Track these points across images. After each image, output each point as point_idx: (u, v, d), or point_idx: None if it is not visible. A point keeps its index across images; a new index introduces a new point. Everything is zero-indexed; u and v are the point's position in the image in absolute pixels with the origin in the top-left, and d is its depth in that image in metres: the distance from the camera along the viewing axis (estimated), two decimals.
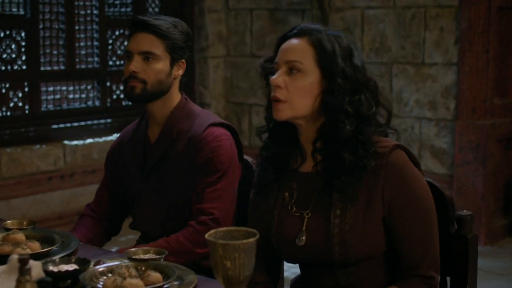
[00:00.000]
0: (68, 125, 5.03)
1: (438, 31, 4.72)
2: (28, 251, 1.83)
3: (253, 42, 5.62)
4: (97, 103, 5.22)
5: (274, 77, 1.81)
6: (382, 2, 4.94)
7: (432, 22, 4.74)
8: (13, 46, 4.75)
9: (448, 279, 1.96)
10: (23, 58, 4.80)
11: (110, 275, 1.67)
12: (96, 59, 5.20)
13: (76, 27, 5.06)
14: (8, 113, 4.75)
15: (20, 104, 4.81)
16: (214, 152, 2.24)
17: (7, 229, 2.01)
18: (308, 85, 1.79)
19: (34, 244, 1.88)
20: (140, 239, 2.42)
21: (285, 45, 1.84)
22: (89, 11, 5.13)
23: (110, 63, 5.27)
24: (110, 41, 5.26)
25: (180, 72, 2.35)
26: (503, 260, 4.41)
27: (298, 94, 1.79)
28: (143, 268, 1.69)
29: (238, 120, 5.73)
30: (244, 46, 5.67)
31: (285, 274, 2.23)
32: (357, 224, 1.77)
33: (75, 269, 1.67)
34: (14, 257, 1.60)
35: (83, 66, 5.15)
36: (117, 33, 5.28)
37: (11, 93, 4.76)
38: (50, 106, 4.99)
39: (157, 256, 1.78)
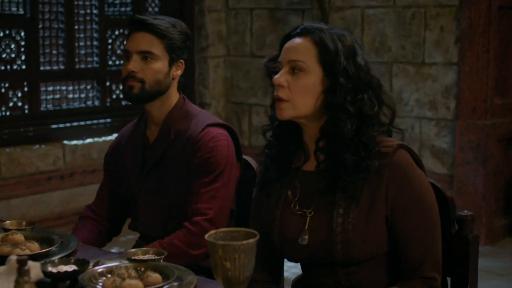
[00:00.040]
0: (68, 125, 5.03)
1: (439, 30, 4.71)
2: (27, 251, 1.82)
3: (253, 42, 5.62)
4: (96, 103, 5.22)
5: (276, 76, 1.81)
6: (382, 2, 4.93)
7: (432, 22, 4.73)
8: (12, 46, 4.75)
9: (448, 279, 1.95)
10: (23, 57, 4.80)
11: (109, 276, 1.66)
12: (95, 58, 5.20)
13: (76, 27, 5.06)
14: (8, 113, 4.75)
15: (20, 104, 4.80)
16: (210, 152, 2.23)
17: (6, 230, 2.00)
18: (310, 84, 1.79)
19: (33, 245, 1.87)
20: (140, 240, 2.41)
21: (288, 44, 1.84)
22: (88, 11, 5.13)
23: (110, 62, 5.26)
24: (110, 41, 5.26)
25: (179, 72, 2.34)
26: (503, 260, 4.41)
27: (301, 94, 1.79)
28: (143, 269, 1.68)
29: (238, 120, 5.72)
30: (244, 45, 5.67)
31: (285, 274, 2.22)
32: (360, 224, 1.77)
33: (74, 270, 1.66)
34: (13, 258, 1.59)
35: (82, 66, 5.14)
36: (116, 32, 5.28)
37: (10, 93, 4.75)
38: (50, 106, 4.98)
39: (156, 257, 1.77)
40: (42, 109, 4.92)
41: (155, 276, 1.64)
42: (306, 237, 1.83)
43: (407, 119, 4.84)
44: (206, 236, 1.45)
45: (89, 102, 5.19)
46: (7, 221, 2.06)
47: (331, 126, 1.79)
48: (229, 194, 2.27)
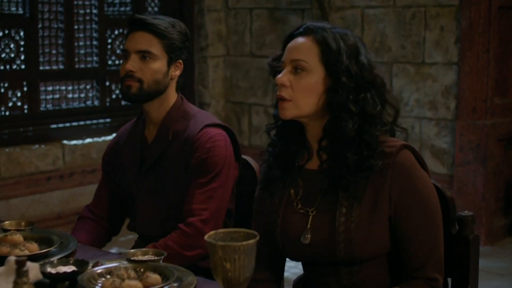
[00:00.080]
0: (67, 124, 5.02)
1: (439, 30, 4.71)
2: (26, 252, 1.82)
3: (252, 42, 5.61)
4: (96, 102, 5.21)
5: (279, 76, 1.82)
6: (382, 2, 4.93)
7: (432, 22, 4.73)
8: (12, 46, 4.74)
9: (449, 280, 1.95)
10: (22, 57, 4.79)
11: (108, 276, 1.66)
12: (95, 58, 5.19)
13: (75, 27, 5.05)
14: (7, 113, 4.74)
15: (19, 103, 4.80)
16: (208, 153, 2.22)
17: (5, 230, 2.00)
18: (312, 84, 1.79)
19: (32, 245, 1.86)
20: (139, 241, 2.40)
21: (291, 44, 1.84)
22: (88, 11, 5.12)
23: (110, 62, 5.26)
24: (109, 41, 5.25)
25: (177, 72, 2.33)
26: (503, 260, 4.40)
27: (303, 93, 1.79)
28: (142, 270, 1.68)
29: (238, 120, 5.72)
30: (243, 45, 5.66)
31: (285, 274, 2.22)
32: (363, 223, 1.77)
33: (73, 271, 1.65)
34: (12, 258, 1.59)
35: (82, 66, 5.14)
36: (116, 32, 5.27)
37: (10, 93, 4.75)
38: (49, 106, 4.98)
39: (156, 258, 1.76)
40: (41, 109, 4.91)
41: (154, 277, 1.64)
42: (309, 236, 1.83)
43: (407, 119, 4.83)
44: (205, 237, 1.45)
45: (88, 102, 5.19)
46: (6, 222, 2.05)
47: (333, 125, 1.79)
48: (226, 195, 2.26)
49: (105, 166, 2.47)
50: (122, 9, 5.33)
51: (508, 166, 4.79)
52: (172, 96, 2.33)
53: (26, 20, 4.78)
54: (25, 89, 4.82)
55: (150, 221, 2.33)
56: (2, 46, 4.69)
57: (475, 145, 4.59)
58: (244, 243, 1.41)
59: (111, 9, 5.26)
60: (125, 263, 1.73)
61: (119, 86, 2.40)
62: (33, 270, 1.61)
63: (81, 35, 5.10)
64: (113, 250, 4.35)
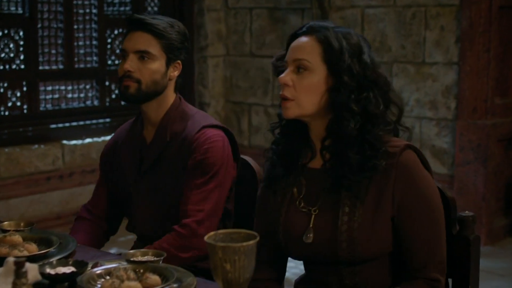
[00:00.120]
0: (67, 124, 5.02)
1: (439, 30, 4.70)
2: (25, 253, 1.81)
3: (252, 41, 5.61)
4: (96, 102, 5.21)
5: (282, 75, 1.82)
6: (382, 1, 4.93)
7: (433, 21, 4.72)
8: (11, 46, 4.73)
9: (450, 280, 1.94)
10: (22, 57, 4.79)
11: (108, 277, 1.65)
12: (95, 58, 5.18)
13: (75, 26, 5.04)
14: (7, 113, 4.73)
15: (19, 103, 4.79)
16: (205, 154, 2.21)
17: (4, 231, 1.99)
18: (314, 83, 1.80)
19: (31, 246, 1.86)
20: (138, 242, 2.39)
21: (294, 43, 1.85)
22: (87, 10, 5.11)
23: (109, 62, 5.25)
24: (109, 40, 5.24)
25: (176, 73, 2.32)
26: (503, 260, 4.40)
27: (305, 92, 1.79)
28: (142, 271, 1.67)
29: (238, 120, 5.71)
30: (243, 45, 5.65)
31: (285, 274, 2.21)
32: (366, 223, 1.76)
33: (72, 272, 1.65)
34: (11, 259, 1.58)
35: (81, 66, 5.13)
36: (116, 32, 5.27)
37: (9, 93, 4.74)
38: (49, 106, 4.97)
39: (155, 258, 1.75)
40: (41, 109, 4.91)
41: (154, 278, 1.63)
42: (311, 235, 1.82)
43: (407, 119, 4.83)
44: (205, 237, 1.44)
45: (88, 102, 5.18)
46: (5, 222, 2.04)
47: (336, 124, 1.80)
48: (222, 196, 2.25)
49: (103, 165, 2.46)
50: (122, 8, 5.32)
51: (509, 166, 4.78)
52: (170, 96, 2.32)
53: (25, 20, 4.78)
54: (24, 89, 4.81)
55: (149, 222, 2.32)
56: (2, 46, 4.68)
57: (476, 145, 4.58)
58: (244, 244, 1.40)
59: (110, 8, 5.25)
60: (124, 264, 1.72)
61: (117, 86, 2.39)
62: (32, 271, 1.61)
63: (81, 35, 5.10)
64: (113, 251, 4.34)
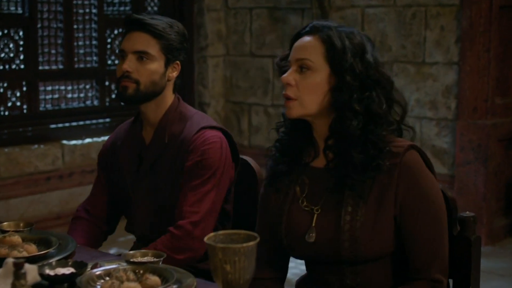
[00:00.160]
0: (67, 124, 5.01)
1: (439, 30, 4.70)
2: (25, 254, 1.81)
3: (252, 41, 5.60)
4: (95, 102, 5.20)
5: (285, 75, 1.83)
6: (382, 1, 4.92)
7: (433, 21, 4.72)
8: (11, 45, 4.73)
9: (450, 281, 1.94)
10: (21, 57, 4.78)
11: (107, 278, 1.64)
12: (94, 58, 5.18)
13: (75, 26, 5.04)
14: (6, 113, 4.73)
15: (18, 103, 4.78)
16: (202, 155, 2.20)
17: (3, 231, 1.98)
18: (317, 82, 1.80)
19: (30, 247, 1.85)
20: (137, 242, 2.38)
21: (297, 43, 1.85)
22: (87, 10, 5.11)
23: (109, 62, 5.24)
24: (109, 40, 5.24)
25: (175, 74, 2.30)
26: (504, 260, 4.39)
27: (308, 92, 1.80)
28: (141, 272, 1.66)
29: (238, 120, 5.71)
30: (243, 45, 5.65)
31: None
32: (368, 222, 1.77)
33: (71, 273, 1.65)
34: (10, 260, 1.58)
35: (81, 66, 5.13)
36: (115, 32, 5.26)
37: (9, 93, 4.73)
38: (49, 106, 4.97)
39: (155, 259, 1.75)
40: (41, 108, 4.90)
41: (154, 279, 1.62)
42: (313, 234, 1.83)
43: (408, 119, 4.78)
44: (205, 239, 1.43)
45: (88, 102, 5.18)
46: (5, 223, 2.03)
47: (339, 124, 1.80)
48: (219, 197, 2.24)
49: (102, 165, 2.44)
50: (122, 8, 5.32)
51: (509, 166, 4.78)
52: (169, 97, 2.31)
53: (25, 19, 4.77)
54: (24, 89, 4.81)
55: (148, 223, 2.31)
56: (1, 46, 4.68)
57: (476, 145, 4.58)
58: (244, 245, 1.40)
59: (110, 8, 5.25)
60: (124, 265, 1.72)
61: (115, 87, 2.38)
62: (31, 272, 1.60)
63: (81, 34, 5.09)
64: (112, 251, 4.34)
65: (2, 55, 4.68)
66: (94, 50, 5.16)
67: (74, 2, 5.01)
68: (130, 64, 2.23)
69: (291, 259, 2.01)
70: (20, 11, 4.75)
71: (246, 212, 2.36)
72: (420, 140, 4.82)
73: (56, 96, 5.01)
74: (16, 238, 1.91)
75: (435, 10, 4.71)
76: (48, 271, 1.65)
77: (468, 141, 4.60)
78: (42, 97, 4.92)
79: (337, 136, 1.81)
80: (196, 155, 2.20)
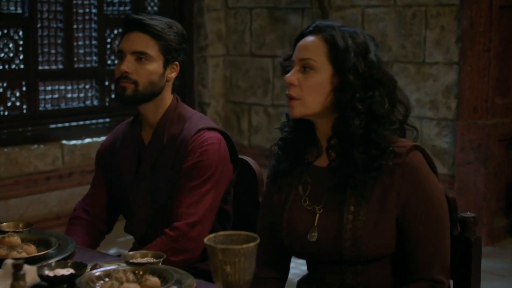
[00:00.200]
0: (66, 124, 5.01)
1: (439, 30, 4.69)
2: (24, 254, 1.80)
3: (252, 41, 5.59)
4: (95, 102, 5.20)
5: (288, 75, 1.83)
6: (382, 1, 4.92)
7: (433, 21, 4.71)
8: (10, 45, 4.72)
9: (451, 281, 1.93)
10: (21, 57, 4.78)
11: (107, 279, 1.64)
12: (94, 58, 5.17)
13: (75, 26, 5.03)
14: (6, 113, 4.72)
15: (18, 103, 4.78)
16: (200, 156, 2.19)
17: (3, 232, 1.97)
18: (320, 82, 1.80)
19: (30, 248, 1.84)
20: (136, 244, 2.37)
21: (301, 43, 1.86)
22: (87, 10, 5.10)
23: (109, 62, 5.24)
24: (109, 40, 5.23)
25: (173, 74, 2.29)
26: (504, 261, 4.39)
27: (311, 92, 1.80)
28: (141, 272, 1.66)
29: (238, 120, 5.70)
30: (243, 45, 5.64)
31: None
32: (370, 222, 1.77)
33: (71, 274, 1.64)
34: (9, 262, 1.57)
35: (81, 65, 5.12)
36: (115, 32, 5.25)
37: (8, 93, 4.73)
38: (48, 106, 4.96)
39: (155, 260, 1.74)
40: (40, 108, 4.90)
41: (153, 280, 1.61)
42: (315, 234, 1.83)
43: (408, 119, 4.81)
44: (205, 240, 1.43)
45: (88, 102, 5.17)
46: (4, 223, 2.03)
47: (341, 123, 1.80)
48: (217, 199, 2.23)
49: (101, 165, 2.43)
50: (122, 8, 5.31)
51: (509, 166, 4.78)
52: (167, 98, 2.30)
53: (25, 19, 4.77)
54: (24, 89, 4.80)
55: (147, 223, 2.30)
56: (1, 46, 4.67)
57: (476, 145, 4.58)
58: (244, 246, 1.39)
59: (110, 8, 5.24)
60: (123, 266, 1.71)
61: (114, 88, 2.37)
62: (31, 273, 1.60)
63: (80, 34, 5.08)
64: (112, 251, 4.34)
65: (2, 55, 4.68)
66: (94, 50, 5.16)
67: (74, 2, 5.01)
68: (128, 64, 2.22)
69: (292, 259, 2.01)
70: (20, 11, 4.75)
71: (246, 213, 2.36)
72: (420, 140, 4.80)
73: (56, 96, 5.00)
74: (16, 239, 1.90)
75: (435, 10, 4.70)
76: (47, 272, 1.65)
77: (468, 141, 4.60)
78: (41, 97, 4.91)
79: (340, 135, 1.82)
80: (194, 157, 2.20)
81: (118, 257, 1.99)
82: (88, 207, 2.42)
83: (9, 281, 1.42)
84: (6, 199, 4.60)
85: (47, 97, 4.95)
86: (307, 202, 1.87)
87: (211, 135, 2.23)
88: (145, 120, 2.31)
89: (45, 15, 4.88)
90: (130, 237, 2.43)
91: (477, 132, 4.57)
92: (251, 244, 1.41)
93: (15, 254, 1.78)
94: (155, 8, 5.53)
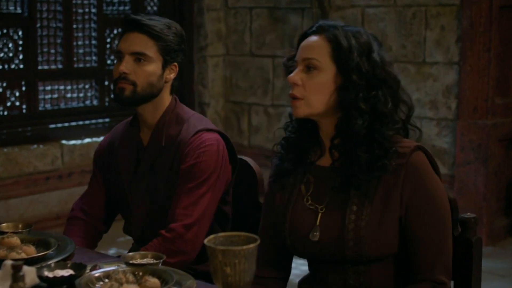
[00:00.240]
0: (66, 124, 5.00)
1: (439, 30, 4.69)
2: (23, 255, 1.79)
3: (252, 41, 5.59)
4: (95, 102, 5.19)
5: (291, 75, 1.83)
6: (382, 1, 4.91)
7: (433, 21, 4.71)
8: (10, 45, 4.72)
9: (452, 282, 1.93)
10: (21, 57, 4.77)
11: (106, 280, 1.63)
12: (94, 58, 5.17)
13: (74, 26, 5.03)
14: (5, 113, 4.72)
15: (18, 103, 4.77)
16: (198, 158, 2.18)
17: (2, 233, 1.97)
18: (324, 82, 1.81)
19: (29, 248, 1.84)
20: (135, 244, 2.37)
21: (304, 42, 1.86)
22: (87, 10, 5.10)
23: (108, 62, 5.23)
24: (108, 40, 5.23)
25: (172, 75, 2.28)
26: (504, 261, 4.38)
27: (314, 91, 1.81)
28: (141, 273, 1.65)
29: (237, 120, 5.70)
30: (243, 45, 5.64)
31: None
32: (373, 222, 1.77)
33: (70, 275, 1.64)
34: (8, 263, 1.57)
35: (81, 65, 5.12)
36: (115, 31, 5.25)
37: (8, 92, 4.73)
38: (48, 106, 4.96)
39: (155, 261, 1.74)
40: (40, 108, 4.89)
41: (153, 281, 1.61)
42: (317, 233, 1.83)
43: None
44: (205, 241, 1.42)
45: (87, 102, 5.17)
46: (3, 224, 2.02)
47: (345, 123, 1.80)
48: (214, 200, 2.22)
49: (99, 165, 2.42)
50: (121, 8, 5.30)
51: (509, 166, 4.77)
52: (166, 99, 2.29)
53: (24, 19, 4.76)
54: (23, 88, 4.80)
55: (146, 224, 2.29)
56: (1, 46, 4.67)
57: (476, 145, 4.57)
58: (245, 247, 1.39)
59: (110, 8, 5.23)
60: (123, 267, 1.71)
61: (112, 88, 2.36)
62: (30, 274, 1.59)
63: (80, 34, 5.08)
64: (112, 251, 4.33)
65: (1, 54, 4.67)
66: (94, 49, 5.15)
67: (74, 1, 5.00)
68: (127, 65, 2.21)
69: (292, 259, 2.01)
70: (19, 10, 4.74)
71: (246, 213, 2.35)
72: (420, 140, 4.80)
73: (56, 96, 5.00)
74: (15, 240, 1.89)
75: (435, 10, 4.70)
76: (46, 273, 1.64)
77: (468, 141, 4.60)
78: (41, 97, 4.91)
79: (343, 135, 1.82)
80: (192, 158, 2.19)
81: (118, 258, 1.98)
82: (86, 207, 2.41)
83: (8, 282, 1.42)
84: (6, 199, 4.60)
85: (47, 97, 4.95)
86: (310, 201, 1.87)
87: (209, 136, 2.22)
88: (143, 121, 2.31)
89: (45, 15, 4.87)
90: (130, 237, 2.43)
91: (477, 132, 4.57)
92: (251, 245, 1.40)
93: (14, 255, 1.78)
94: (155, 8, 5.52)
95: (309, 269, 1.98)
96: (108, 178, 2.40)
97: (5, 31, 4.68)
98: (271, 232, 1.94)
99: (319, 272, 1.91)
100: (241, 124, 5.66)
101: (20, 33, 4.76)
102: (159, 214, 2.26)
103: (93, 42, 5.14)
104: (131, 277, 1.61)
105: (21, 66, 4.78)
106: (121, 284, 1.57)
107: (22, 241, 1.91)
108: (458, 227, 1.91)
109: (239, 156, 2.36)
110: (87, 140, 5.03)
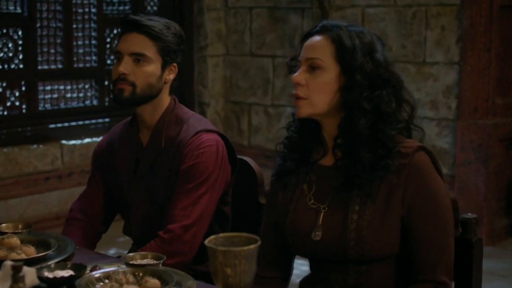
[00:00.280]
0: (66, 124, 5.00)
1: (440, 29, 4.69)
2: (23, 256, 1.79)
3: (252, 41, 5.59)
4: (95, 102, 5.19)
5: (295, 75, 1.84)
6: (383, 1, 4.91)
7: (434, 21, 4.70)
8: (10, 45, 4.71)
9: (452, 282, 1.93)
10: (20, 57, 4.77)
11: (106, 281, 1.63)
12: (94, 58, 5.16)
13: (74, 26, 5.03)
14: (5, 113, 4.72)
15: (17, 103, 4.77)
16: (196, 159, 2.18)
17: (2, 233, 1.96)
18: (327, 82, 1.81)
19: (29, 249, 1.83)
20: (134, 245, 2.36)
21: (307, 42, 1.86)
22: (87, 10, 5.10)
23: (108, 62, 5.23)
24: (108, 40, 5.22)
25: (172, 76, 2.27)
26: (504, 261, 4.38)
27: (318, 91, 1.80)
28: (141, 274, 1.65)
29: (237, 120, 5.69)
30: (243, 45, 5.64)
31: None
32: (375, 222, 1.77)
33: (70, 275, 1.63)
34: (8, 263, 1.56)
35: (81, 65, 5.11)
36: (115, 31, 5.24)
37: (8, 92, 4.72)
38: (48, 106, 4.95)
39: (155, 262, 1.74)
40: (40, 108, 4.89)
41: (153, 282, 1.61)
42: (319, 233, 1.83)
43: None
44: (206, 241, 1.42)
45: (87, 102, 5.16)
46: (3, 224, 2.02)
47: (348, 123, 1.80)
48: (213, 201, 2.22)
49: (98, 165, 2.41)
50: (121, 8, 5.30)
51: (510, 166, 4.77)
52: (165, 100, 2.28)
53: (24, 19, 4.76)
54: (23, 88, 4.79)
55: (145, 225, 2.28)
56: (1, 46, 4.67)
57: (477, 145, 4.57)
58: (245, 248, 1.39)
59: (110, 8, 5.23)
60: (123, 267, 1.71)
61: (111, 89, 2.35)
62: (30, 275, 1.59)
63: (80, 34, 5.08)
64: (112, 251, 4.33)
65: (1, 54, 4.67)
66: (94, 49, 5.15)
67: (74, 1, 5.00)
68: (126, 66, 2.20)
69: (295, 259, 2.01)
70: (19, 10, 4.74)
71: (246, 213, 2.35)
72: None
73: (55, 96, 5.00)
74: (15, 240, 1.89)
75: (435, 10, 4.69)
76: (46, 274, 1.64)
77: (468, 141, 4.59)
78: (41, 96, 4.91)
79: (346, 135, 1.82)
80: (191, 159, 2.18)
81: (118, 258, 1.98)
82: (84, 207, 2.40)
83: (8, 283, 1.42)
84: (5, 199, 4.60)
85: (47, 97, 4.94)
86: (312, 200, 1.87)
87: (208, 137, 2.22)
88: (142, 121, 2.30)
89: (45, 15, 4.87)
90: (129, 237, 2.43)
91: (478, 132, 4.57)
92: (252, 246, 1.40)
93: (14, 255, 1.78)
94: (155, 8, 5.52)
95: (311, 268, 1.98)
96: (107, 178, 2.39)
97: (5, 31, 4.68)
98: (273, 232, 1.94)
99: (321, 272, 1.91)
100: (241, 124, 5.66)
101: (20, 33, 4.75)
102: (158, 215, 2.25)
103: (93, 42, 5.14)
104: (131, 278, 1.61)
105: (21, 66, 4.78)
106: (121, 284, 1.57)
107: (22, 241, 1.90)
108: (458, 227, 1.91)
109: (239, 156, 2.35)
110: (87, 140, 5.03)
